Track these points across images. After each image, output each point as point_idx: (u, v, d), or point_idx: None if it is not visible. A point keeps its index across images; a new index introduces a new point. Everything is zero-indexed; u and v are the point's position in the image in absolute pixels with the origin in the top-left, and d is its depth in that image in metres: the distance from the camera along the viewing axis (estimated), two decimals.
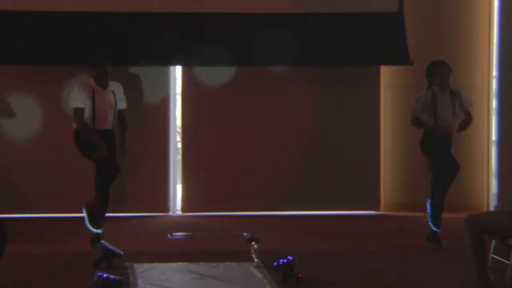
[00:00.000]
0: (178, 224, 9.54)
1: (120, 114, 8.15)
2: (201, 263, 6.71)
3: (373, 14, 9.89)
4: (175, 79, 10.39)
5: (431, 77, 8.07)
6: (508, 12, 9.99)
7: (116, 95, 8.09)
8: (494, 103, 10.30)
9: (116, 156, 8.01)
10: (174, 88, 10.41)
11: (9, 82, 9.90)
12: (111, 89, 8.04)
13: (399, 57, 9.69)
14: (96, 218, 7.76)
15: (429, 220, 8.03)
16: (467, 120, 8.18)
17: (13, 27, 9.68)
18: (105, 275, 5.87)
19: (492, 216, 5.87)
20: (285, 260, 6.17)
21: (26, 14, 9.68)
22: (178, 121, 10.47)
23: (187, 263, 6.77)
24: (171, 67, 10.35)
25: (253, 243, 6.72)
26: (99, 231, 7.71)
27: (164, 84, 10.33)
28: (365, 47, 9.83)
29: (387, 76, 10.13)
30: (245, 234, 6.98)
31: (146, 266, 6.56)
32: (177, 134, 10.55)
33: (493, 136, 10.30)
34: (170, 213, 10.33)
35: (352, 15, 9.87)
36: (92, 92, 7.89)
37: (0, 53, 9.54)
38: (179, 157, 10.44)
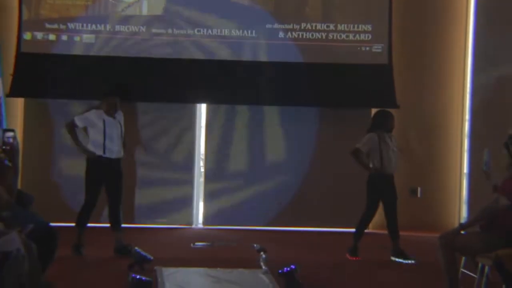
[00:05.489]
0: (199, 235, 9.43)
1: None
2: (218, 268, 6.56)
3: (367, 65, 9.97)
4: (201, 113, 10.37)
5: (381, 122, 8.00)
6: (480, 63, 9.89)
7: (122, 125, 7.67)
8: (466, 143, 10.24)
9: (117, 183, 7.65)
10: (200, 121, 10.38)
11: None
12: (118, 119, 7.63)
13: (388, 101, 9.66)
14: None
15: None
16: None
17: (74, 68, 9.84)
18: (137, 277, 5.83)
19: (463, 237, 5.72)
20: (288, 268, 6.05)
21: (79, 57, 9.88)
22: (202, 149, 10.38)
23: (206, 268, 6.64)
24: (198, 104, 10.35)
25: (262, 253, 6.67)
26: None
27: (192, 118, 10.32)
28: (359, 93, 9.89)
29: None
30: (255, 245, 6.87)
31: (172, 270, 6.41)
32: (201, 159, 10.44)
33: (465, 170, 10.20)
34: (193, 226, 10.25)
35: (352, 66, 9.95)
36: (103, 121, 7.52)
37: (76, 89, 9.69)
38: (201, 179, 10.37)
